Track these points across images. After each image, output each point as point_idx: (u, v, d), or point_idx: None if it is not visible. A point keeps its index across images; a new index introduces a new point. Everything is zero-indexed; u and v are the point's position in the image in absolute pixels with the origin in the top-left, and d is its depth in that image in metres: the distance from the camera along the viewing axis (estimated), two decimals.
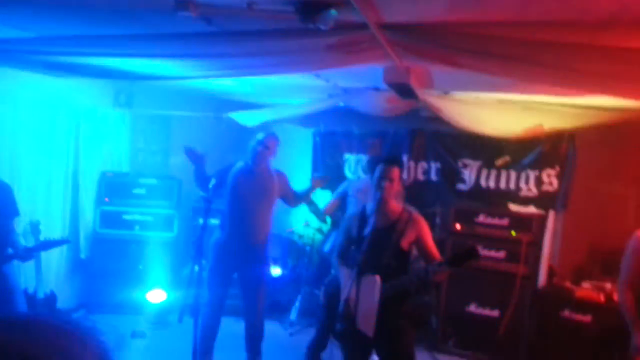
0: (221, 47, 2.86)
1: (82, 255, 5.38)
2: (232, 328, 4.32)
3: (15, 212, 3.60)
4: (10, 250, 3.53)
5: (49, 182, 4.98)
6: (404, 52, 2.89)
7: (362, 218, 3.22)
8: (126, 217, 5.39)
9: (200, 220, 3.52)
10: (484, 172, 5.42)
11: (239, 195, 3.86)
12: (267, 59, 3.05)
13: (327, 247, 5.59)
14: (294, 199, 4.18)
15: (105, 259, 5.33)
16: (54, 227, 4.95)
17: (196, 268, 3.18)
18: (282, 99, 5.59)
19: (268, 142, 3.89)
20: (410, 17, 2.35)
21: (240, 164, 3.97)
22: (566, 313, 4.40)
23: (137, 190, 5.43)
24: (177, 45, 2.92)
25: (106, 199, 5.37)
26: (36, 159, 4.82)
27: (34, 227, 4.10)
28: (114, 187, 5.40)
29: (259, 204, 3.86)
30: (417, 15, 2.33)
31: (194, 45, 2.92)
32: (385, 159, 3.23)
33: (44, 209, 4.87)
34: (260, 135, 3.92)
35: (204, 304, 3.85)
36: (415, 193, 5.42)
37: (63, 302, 5.02)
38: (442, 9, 2.15)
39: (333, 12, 2.13)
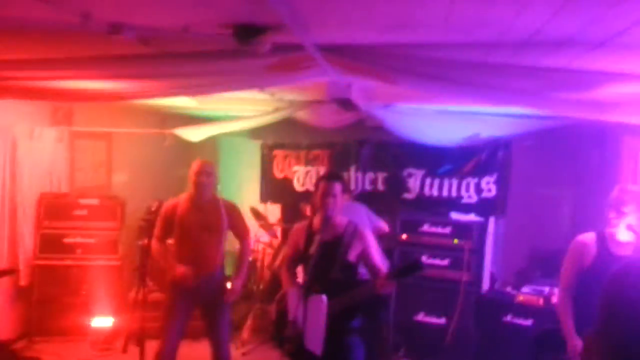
0: (160, 68, 2.83)
1: (22, 282, 5.13)
2: (196, 352, 4.29)
3: None
4: None
5: None
6: (342, 70, 2.96)
7: (309, 232, 3.24)
8: (67, 240, 5.19)
9: (145, 241, 3.44)
10: (428, 181, 5.57)
11: (186, 230, 3.78)
12: (208, 79, 3.04)
13: (277, 262, 5.59)
14: (241, 239, 4.06)
15: (47, 285, 5.10)
16: None
17: (140, 293, 3.11)
18: (228, 112, 5.56)
19: (208, 169, 3.81)
20: (345, 39, 2.43)
21: (183, 197, 3.88)
22: (508, 317, 4.55)
23: (78, 212, 5.24)
24: (116, 67, 2.87)
25: (45, 222, 5.16)
26: None
27: None
28: (53, 209, 5.20)
29: (208, 237, 3.80)
30: (351, 37, 2.41)
31: (133, 66, 2.88)
32: (326, 176, 3.27)
33: None
34: (194, 166, 3.78)
35: (161, 335, 3.81)
36: (364, 203, 5.50)
37: (4, 332, 4.79)
38: (373, 32, 2.23)
39: (270, 36, 2.16)
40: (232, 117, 5.58)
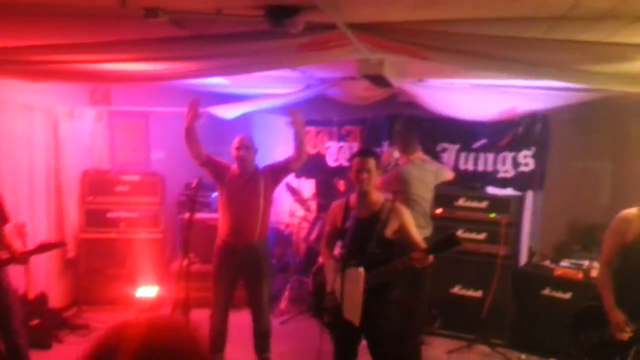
0: (194, 50, 2.88)
1: (70, 255, 5.41)
2: (241, 321, 4.45)
3: (5, 219, 3.61)
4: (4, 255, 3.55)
5: (31, 184, 4.98)
6: (374, 48, 2.94)
7: (346, 209, 3.28)
8: (111, 214, 5.41)
9: (186, 215, 3.57)
10: (462, 156, 5.51)
11: (230, 201, 3.96)
12: (241, 60, 3.08)
13: (312, 235, 5.69)
14: (293, 159, 4.08)
15: (93, 257, 5.37)
16: (39, 228, 4.98)
17: (184, 263, 3.25)
18: (260, 89, 5.60)
19: (246, 143, 3.97)
20: (377, 16, 2.41)
21: (232, 169, 4.04)
22: (546, 291, 4.54)
23: (120, 187, 5.45)
24: (152, 49, 2.95)
25: (89, 198, 5.39)
26: (17, 161, 4.81)
27: (20, 230, 4.12)
28: (96, 185, 5.42)
29: (251, 206, 3.95)
30: (383, 15, 2.39)
31: (168, 49, 2.94)
32: (360, 152, 3.29)
33: (27, 211, 4.88)
34: (236, 142, 3.98)
35: (212, 304, 4.02)
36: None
37: (55, 301, 5.08)
38: (404, 9, 2.21)
39: (302, 16, 2.17)
40: (265, 94, 5.62)
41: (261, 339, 4.06)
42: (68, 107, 5.34)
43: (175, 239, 5.67)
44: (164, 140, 6.30)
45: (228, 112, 5.35)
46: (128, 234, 5.41)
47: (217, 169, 4.05)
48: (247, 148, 3.97)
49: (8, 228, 3.70)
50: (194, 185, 3.47)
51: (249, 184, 3.97)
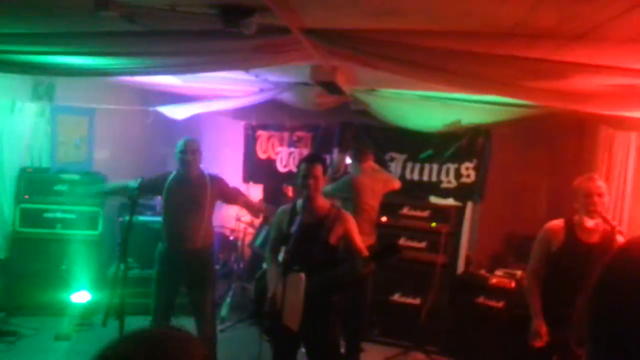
0: (145, 46, 2.82)
1: (2, 256, 5.12)
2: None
3: None
4: None
5: None
6: (328, 54, 2.99)
7: (292, 214, 3.29)
8: (47, 215, 5.17)
9: (126, 218, 3.46)
10: (409, 165, 5.67)
11: (172, 205, 3.87)
12: (193, 59, 3.04)
13: (258, 242, 5.64)
14: (239, 200, 4.16)
15: (27, 259, 5.09)
16: None
17: (121, 268, 3.15)
18: (212, 91, 5.54)
19: (193, 147, 3.88)
20: (331, 23, 2.45)
21: (174, 173, 3.94)
22: (481, 299, 4.71)
23: (58, 187, 5.22)
24: (102, 43, 2.86)
25: (26, 197, 5.13)
26: None
27: None
28: (34, 184, 5.17)
29: (194, 212, 3.87)
30: (337, 22, 2.44)
31: (119, 43, 2.87)
32: (307, 158, 3.32)
33: None
34: (180, 145, 3.87)
35: (152, 311, 3.92)
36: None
37: None
38: (359, 17, 2.26)
39: (256, 18, 2.18)
40: (218, 96, 5.56)
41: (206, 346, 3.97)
42: (8, 100, 5.07)
43: (114, 242, 5.48)
44: (109, 139, 6.10)
45: (178, 112, 5.26)
46: (65, 235, 5.17)
47: (154, 189, 3.94)
48: (193, 152, 3.88)
49: None
50: (135, 185, 3.37)
51: (193, 189, 3.89)
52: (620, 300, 0.83)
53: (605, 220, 2.99)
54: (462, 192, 5.42)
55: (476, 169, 5.38)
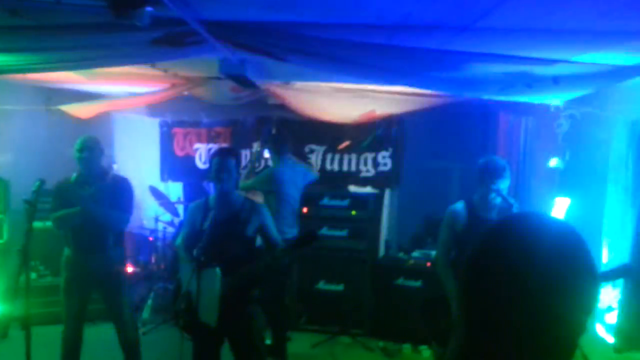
0: (36, 41, 2.66)
1: None
2: (100, 335, 4.22)
3: None
4: None
5: None
6: (233, 47, 2.96)
7: (205, 209, 3.24)
8: None
9: (26, 225, 3.25)
10: (329, 156, 5.77)
11: (73, 206, 3.61)
12: (88, 53, 2.91)
13: (178, 240, 5.51)
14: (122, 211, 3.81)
15: None
16: None
17: (22, 277, 2.97)
18: (120, 87, 5.32)
19: (89, 145, 3.66)
20: (231, 15, 2.43)
21: (74, 176, 3.73)
22: (400, 281, 4.90)
23: None
24: None
25: None
26: None
27: None
28: None
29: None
30: (238, 14, 2.42)
31: (6, 39, 2.68)
32: (219, 152, 3.28)
33: None
34: (78, 145, 3.66)
35: (64, 321, 3.71)
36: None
37: None
38: (255, 10, 2.26)
39: (148, 9, 2.12)
40: (126, 93, 5.35)
41: (130, 352, 3.83)
42: None
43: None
44: (10, 141, 5.70)
45: (84, 111, 5.01)
46: None
47: (64, 199, 3.65)
48: (91, 150, 3.65)
49: None
50: (34, 189, 3.17)
51: (95, 190, 3.68)
52: (491, 274, 0.86)
53: (503, 197, 3.18)
54: (380, 179, 5.59)
55: (392, 157, 5.56)
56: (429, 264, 4.79)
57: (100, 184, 3.69)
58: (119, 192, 3.76)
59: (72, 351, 3.76)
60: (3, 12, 2.25)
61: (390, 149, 5.57)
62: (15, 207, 5.12)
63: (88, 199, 3.57)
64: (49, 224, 4.70)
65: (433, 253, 4.86)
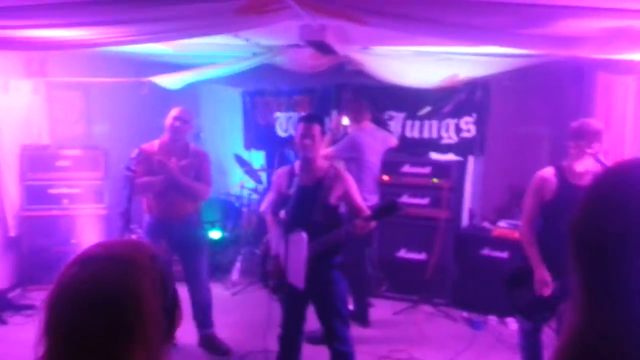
0: (127, 14, 2.79)
1: (12, 233, 5.21)
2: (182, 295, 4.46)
3: None
4: None
5: None
6: (314, 12, 2.94)
7: (291, 175, 3.29)
8: (52, 191, 5.24)
9: (126, 190, 3.49)
10: (408, 123, 5.66)
11: (157, 174, 3.81)
12: (176, 24, 3.01)
13: (263, 206, 5.70)
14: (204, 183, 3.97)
15: (36, 235, 5.19)
16: None
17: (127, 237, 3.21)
18: (205, 58, 5.49)
19: (184, 116, 3.85)
20: None
21: (156, 142, 3.92)
22: (485, 251, 4.76)
23: (61, 163, 5.26)
24: (86, 13, 2.83)
25: (29, 174, 5.19)
26: None
27: None
28: (36, 161, 5.21)
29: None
30: None
31: (104, 12, 2.84)
32: (304, 117, 3.30)
33: None
34: (174, 111, 3.85)
35: None
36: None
37: None
38: None
39: None
40: (210, 63, 5.51)
41: (201, 314, 4.03)
42: (2, 79, 5.07)
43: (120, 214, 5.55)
44: (106, 112, 6.10)
45: (172, 81, 5.23)
46: (71, 210, 5.25)
47: (148, 165, 3.80)
48: (185, 122, 3.86)
49: None
50: (133, 156, 3.39)
51: (180, 158, 3.86)
52: (605, 218, 0.80)
53: (597, 160, 2.96)
54: (463, 146, 5.41)
55: (476, 123, 5.35)
56: (516, 234, 4.60)
57: (184, 155, 3.86)
58: (202, 165, 3.93)
59: None
60: None
61: (474, 115, 5.35)
62: (114, 174, 5.53)
63: (174, 168, 3.75)
64: None
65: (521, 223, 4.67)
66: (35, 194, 5.20)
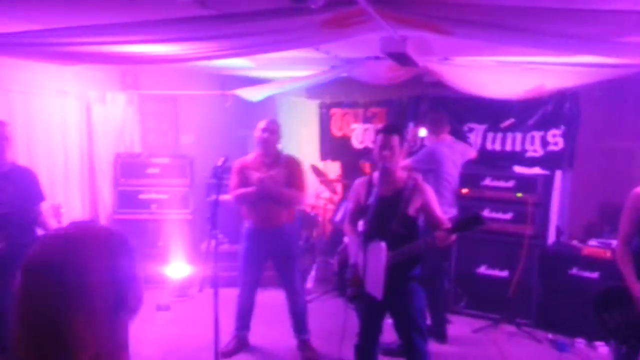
0: (218, 29, 2.93)
1: None
2: (272, 300, 4.72)
3: (42, 197, 3.76)
4: (40, 232, 3.71)
5: (66, 166, 5.16)
6: (396, 24, 2.94)
7: (369, 186, 3.28)
8: (142, 196, 5.58)
9: (213, 197, 3.66)
10: (490, 135, 5.49)
11: (251, 185, 3.98)
12: (263, 38, 3.12)
13: (338, 217, 5.74)
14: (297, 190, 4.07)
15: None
16: (74, 210, 5.18)
17: (212, 243, 3.35)
18: (285, 71, 5.65)
19: (271, 127, 3.99)
20: None
21: (251, 155, 4.10)
22: (574, 271, 4.50)
23: (151, 170, 5.60)
24: (176, 30, 3.00)
25: (122, 180, 5.55)
26: (52, 144, 4.99)
27: (56, 210, 4.28)
28: (128, 168, 5.58)
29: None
30: None
31: (193, 29, 3.00)
32: (383, 128, 3.29)
33: (63, 192, 5.07)
34: (262, 124, 4.01)
35: (240, 286, 4.17)
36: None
37: None
38: None
39: None
40: (289, 77, 5.67)
41: (296, 320, 4.16)
42: (100, 92, 5.50)
43: (204, 220, 5.80)
44: (192, 123, 6.43)
45: (254, 94, 5.42)
46: (159, 215, 5.56)
47: (243, 177, 4.03)
48: (272, 132, 3.99)
49: (44, 207, 3.85)
50: (219, 164, 3.53)
51: (271, 170, 3.99)
52: None
53: None
54: (550, 160, 5.16)
55: (564, 135, 5.09)
56: (608, 253, 4.31)
57: (275, 165, 3.98)
58: (294, 172, 4.04)
59: (246, 312, 4.19)
60: (194, 4, 2.52)
61: (562, 127, 5.10)
62: (198, 182, 5.81)
63: (265, 180, 3.88)
64: (227, 196, 5.24)
65: (614, 242, 4.37)
66: (126, 199, 5.56)
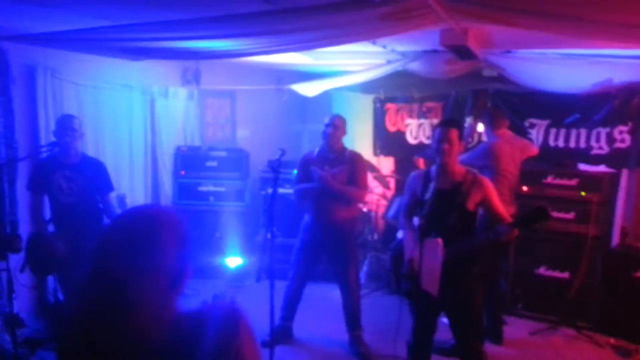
0: (279, 25, 2.98)
1: None
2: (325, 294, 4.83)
3: (110, 187, 3.96)
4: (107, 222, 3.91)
5: (130, 158, 5.40)
6: (458, 15, 2.89)
7: (425, 179, 3.24)
8: (201, 188, 5.75)
9: (270, 190, 3.73)
10: (553, 132, 5.28)
11: (317, 179, 4.03)
12: (324, 32, 3.14)
13: (391, 212, 5.71)
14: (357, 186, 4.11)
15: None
16: (138, 200, 5.41)
17: (268, 235, 3.42)
18: (341, 67, 5.65)
19: (336, 122, 4.03)
20: None
21: (316, 149, 4.17)
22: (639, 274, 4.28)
23: (209, 163, 5.77)
24: (239, 25, 3.08)
25: (182, 172, 5.75)
26: (118, 137, 5.24)
27: (121, 201, 4.49)
28: (188, 161, 5.76)
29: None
30: None
31: (255, 24, 3.06)
32: (442, 122, 3.24)
33: (128, 184, 5.31)
34: (327, 119, 4.07)
35: (290, 277, 4.25)
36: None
37: None
38: None
39: None
40: (345, 72, 5.67)
41: (349, 316, 4.18)
42: (163, 87, 5.71)
43: (258, 212, 5.92)
44: (248, 118, 6.56)
45: (310, 89, 5.47)
46: (216, 206, 5.72)
47: (306, 172, 4.12)
48: (336, 127, 4.03)
49: (112, 197, 4.04)
50: (277, 157, 3.58)
51: (334, 165, 4.04)
52: None
53: None
54: (617, 158, 4.90)
55: (632, 132, 4.83)
56: None
57: (339, 161, 4.02)
58: (356, 169, 4.06)
59: (292, 303, 4.25)
60: (259, 0, 2.57)
61: (630, 123, 4.83)
62: (253, 175, 5.93)
63: (327, 178, 3.94)
64: (281, 190, 5.34)
65: None
66: (186, 191, 5.75)
